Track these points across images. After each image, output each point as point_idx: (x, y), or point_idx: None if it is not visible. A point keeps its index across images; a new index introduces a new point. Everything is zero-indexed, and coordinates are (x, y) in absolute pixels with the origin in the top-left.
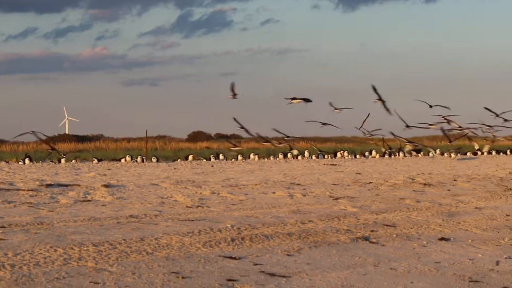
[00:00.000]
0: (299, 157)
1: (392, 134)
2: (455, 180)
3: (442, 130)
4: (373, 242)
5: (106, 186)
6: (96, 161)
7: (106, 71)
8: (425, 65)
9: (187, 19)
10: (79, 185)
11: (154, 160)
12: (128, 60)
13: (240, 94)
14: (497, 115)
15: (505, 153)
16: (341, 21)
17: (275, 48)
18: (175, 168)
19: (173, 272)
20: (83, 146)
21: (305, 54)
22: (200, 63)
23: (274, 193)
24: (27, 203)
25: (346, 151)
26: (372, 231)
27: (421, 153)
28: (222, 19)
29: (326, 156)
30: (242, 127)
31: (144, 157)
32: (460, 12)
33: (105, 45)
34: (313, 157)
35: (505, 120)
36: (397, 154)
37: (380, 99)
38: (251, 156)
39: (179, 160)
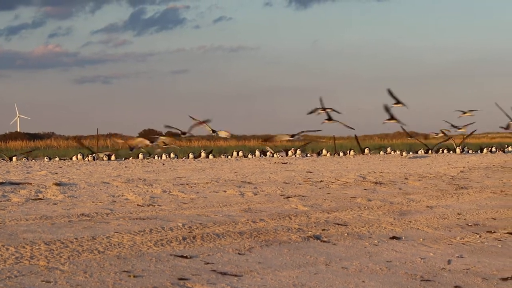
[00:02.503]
0: (249, 156)
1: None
2: (406, 178)
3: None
4: (324, 241)
5: (57, 184)
6: (47, 159)
7: (58, 69)
8: (378, 63)
9: (140, 17)
10: (30, 184)
11: (105, 158)
12: (80, 57)
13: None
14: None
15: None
16: (293, 19)
17: (227, 45)
18: (126, 167)
19: (124, 271)
20: (34, 144)
21: (258, 51)
22: (152, 60)
23: (225, 191)
24: None
25: (298, 149)
26: (324, 230)
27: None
28: (174, 16)
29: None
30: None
31: (95, 155)
32: (414, 9)
33: (58, 43)
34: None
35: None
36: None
37: (398, 102)
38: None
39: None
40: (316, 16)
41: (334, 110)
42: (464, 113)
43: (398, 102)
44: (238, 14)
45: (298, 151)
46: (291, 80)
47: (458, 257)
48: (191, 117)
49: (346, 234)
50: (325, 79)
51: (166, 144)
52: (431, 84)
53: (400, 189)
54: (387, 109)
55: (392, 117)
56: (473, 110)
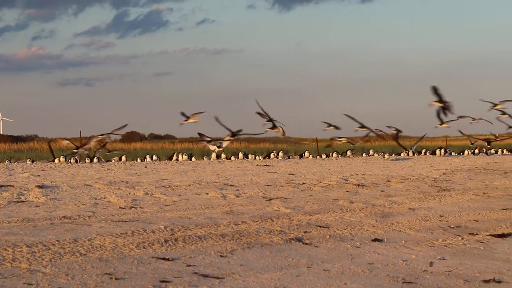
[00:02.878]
0: (232, 158)
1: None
2: (388, 181)
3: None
4: (306, 243)
5: (40, 187)
6: (30, 161)
7: (41, 71)
8: (362, 65)
9: (123, 19)
10: (13, 186)
11: (87, 160)
12: (63, 60)
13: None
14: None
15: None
16: (276, 21)
17: (211, 48)
18: (108, 169)
19: (106, 273)
20: (17, 146)
21: (241, 54)
22: (136, 63)
23: (207, 194)
24: None
25: (281, 152)
26: (306, 232)
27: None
28: (158, 19)
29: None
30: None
31: (77, 159)
32: (396, 11)
33: (41, 45)
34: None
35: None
36: (331, 155)
37: (440, 100)
38: (180, 156)
39: (113, 160)
40: (299, 19)
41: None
42: (495, 105)
43: (440, 100)
44: (221, 16)
45: (281, 153)
46: (275, 82)
47: (440, 259)
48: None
49: (328, 236)
50: (309, 81)
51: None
52: (416, 87)
53: (382, 191)
54: (435, 89)
55: (440, 100)
56: (506, 101)
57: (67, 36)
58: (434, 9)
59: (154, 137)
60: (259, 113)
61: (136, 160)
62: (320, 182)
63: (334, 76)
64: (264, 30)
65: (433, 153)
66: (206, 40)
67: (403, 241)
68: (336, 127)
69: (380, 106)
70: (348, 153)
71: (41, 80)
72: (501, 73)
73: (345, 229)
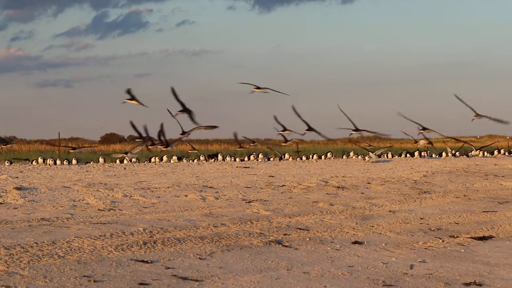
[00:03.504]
0: (211, 160)
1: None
2: (369, 183)
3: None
4: (286, 246)
5: (18, 188)
6: (8, 163)
7: (20, 72)
8: (341, 66)
9: (102, 20)
10: None
11: (66, 162)
12: (42, 61)
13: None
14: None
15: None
16: (257, 22)
17: (190, 49)
18: (87, 171)
19: (84, 276)
20: None
21: (221, 55)
22: (115, 64)
23: (186, 196)
24: None
25: (260, 153)
26: (285, 234)
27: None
28: (137, 20)
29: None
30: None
31: (55, 160)
32: (377, 13)
33: (20, 46)
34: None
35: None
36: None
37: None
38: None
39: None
40: (280, 20)
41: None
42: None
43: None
44: (201, 17)
45: (260, 155)
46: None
47: (420, 262)
48: (132, 124)
49: (308, 239)
50: (288, 82)
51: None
52: (394, 88)
53: (362, 193)
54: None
55: (284, 129)
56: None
57: (46, 37)
58: (415, 11)
59: (134, 139)
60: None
61: (115, 162)
62: (300, 184)
63: (313, 77)
64: (244, 31)
65: (412, 154)
66: (186, 41)
67: (384, 244)
68: (289, 130)
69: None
70: (329, 155)
71: (19, 81)
72: (481, 74)
73: (325, 232)
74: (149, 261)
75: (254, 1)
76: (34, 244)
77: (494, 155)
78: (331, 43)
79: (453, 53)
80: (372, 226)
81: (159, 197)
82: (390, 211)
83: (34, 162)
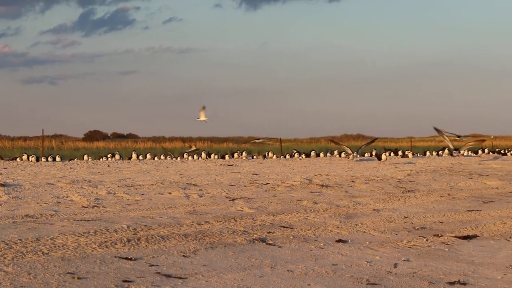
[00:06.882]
0: (195, 157)
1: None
2: (353, 181)
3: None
4: (270, 244)
5: (2, 185)
6: None
7: (6, 69)
8: (328, 65)
9: (89, 17)
10: None
11: (50, 159)
12: (28, 58)
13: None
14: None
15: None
16: (243, 20)
17: (176, 47)
18: (71, 168)
19: (68, 273)
20: None
21: (207, 53)
22: (101, 61)
23: (170, 193)
24: None
25: (244, 151)
26: (269, 232)
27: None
28: (124, 17)
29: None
30: None
31: (38, 157)
32: (364, 12)
33: (6, 43)
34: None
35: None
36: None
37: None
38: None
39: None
40: (266, 18)
41: None
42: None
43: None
44: (188, 15)
45: (244, 153)
46: (240, 81)
47: (404, 260)
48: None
49: (291, 237)
50: (274, 80)
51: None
52: (382, 88)
53: (346, 192)
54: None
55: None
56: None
57: (33, 34)
58: (402, 10)
59: (117, 136)
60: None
61: (99, 159)
62: (284, 183)
63: (299, 75)
64: (231, 29)
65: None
66: (173, 38)
67: (367, 242)
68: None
69: (345, 107)
70: (312, 153)
71: (5, 77)
72: (467, 75)
73: (309, 230)
74: (133, 258)
75: None
76: (18, 241)
77: (478, 154)
78: (317, 41)
79: (440, 52)
80: (356, 225)
81: (143, 194)
82: (374, 209)
83: (18, 159)
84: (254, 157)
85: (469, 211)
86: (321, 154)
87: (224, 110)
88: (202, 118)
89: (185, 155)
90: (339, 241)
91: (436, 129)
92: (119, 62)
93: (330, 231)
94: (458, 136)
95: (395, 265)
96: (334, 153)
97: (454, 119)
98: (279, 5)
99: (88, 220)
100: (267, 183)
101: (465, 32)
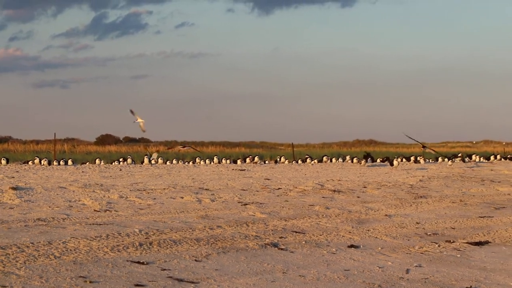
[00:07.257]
0: (207, 161)
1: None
2: (365, 187)
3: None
4: (282, 249)
5: (14, 188)
6: (4, 163)
7: (18, 72)
8: (340, 70)
9: (101, 21)
10: None
11: (62, 163)
12: (40, 61)
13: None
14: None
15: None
16: (255, 25)
17: (188, 51)
18: (83, 172)
19: (80, 277)
20: None
21: (218, 57)
22: (113, 65)
23: (182, 198)
24: None
25: (256, 156)
26: (281, 237)
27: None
28: (136, 22)
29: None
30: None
31: (50, 160)
32: (376, 17)
33: (19, 46)
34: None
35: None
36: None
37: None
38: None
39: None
40: (278, 23)
41: None
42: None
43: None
44: (200, 20)
45: (256, 158)
46: (251, 86)
47: (416, 266)
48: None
49: (304, 242)
50: (286, 85)
51: None
52: (392, 92)
53: (358, 197)
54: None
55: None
56: None
57: (45, 38)
58: (413, 16)
59: (129, 140)
60: None
61: (111, 163)
62: (296, 188)
63: (311, 80)
64: (243, 34)
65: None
66: (185, 43)
67: (380, 248)
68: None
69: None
70: (324, 158)
71: (17, 81)
72: (476, 80)
73: (321, 235)
74: (145, 263)
75: (253, 4)
76: (30, 244)
77: (490, 160)
78: (329, 46)
79: (450, 58)
80: (368, 230)
81: (155, 198)
82: (386, 215)
83: (30, 163)
84: (266, 162)
85: (481, 217)
86: (333, 160)
87: (236, 115)
88: (139, 119)
89: (159, 160)
90: (351, 246)
91: (408, 136)
92: (131, 66)
93: (342, 236)
94: (423, 146)
95: (407, 271)
96: (346, 159)
97: (467, 125)
98: (291, 10)
99: (100, 224)
100: (279, 188)
101: (476, 38)
